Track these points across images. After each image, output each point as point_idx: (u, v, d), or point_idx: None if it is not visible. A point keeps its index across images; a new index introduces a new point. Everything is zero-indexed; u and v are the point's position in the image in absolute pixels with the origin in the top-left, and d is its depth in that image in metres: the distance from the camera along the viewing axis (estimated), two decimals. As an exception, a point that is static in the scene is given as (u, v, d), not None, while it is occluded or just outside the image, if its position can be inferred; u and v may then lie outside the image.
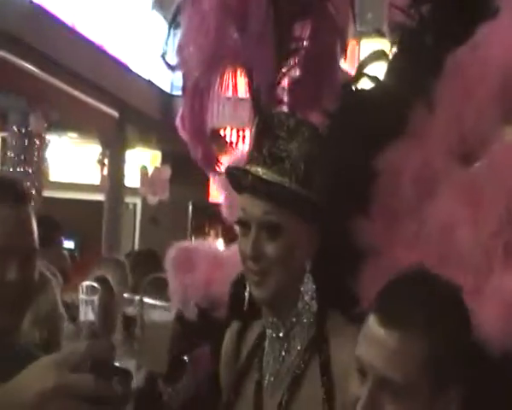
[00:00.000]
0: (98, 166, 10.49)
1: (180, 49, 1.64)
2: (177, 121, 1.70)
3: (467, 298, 1.10)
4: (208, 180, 2.19)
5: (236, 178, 1.31)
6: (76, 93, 7.63)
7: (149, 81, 9.03)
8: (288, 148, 1.24)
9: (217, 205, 1.92)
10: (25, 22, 6.09)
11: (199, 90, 1.62)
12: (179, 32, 1.64)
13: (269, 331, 1.30)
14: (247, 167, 1.27)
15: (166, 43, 1.71)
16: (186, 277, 1.72)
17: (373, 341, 1.03)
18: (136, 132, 9.47)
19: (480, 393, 1.12)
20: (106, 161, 9.96)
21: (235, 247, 1.47)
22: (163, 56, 1.70)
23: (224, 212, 1.80)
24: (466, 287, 1.17)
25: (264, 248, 1.23)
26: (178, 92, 5.67)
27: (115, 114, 8.80)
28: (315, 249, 1.28)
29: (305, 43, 1.66)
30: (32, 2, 6.26)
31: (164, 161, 10.07)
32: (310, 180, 1.25)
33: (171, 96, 8.88)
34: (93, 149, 10.64)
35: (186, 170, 4.18)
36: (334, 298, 1.32)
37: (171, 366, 1.65)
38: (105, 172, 10.00)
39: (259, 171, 1.24)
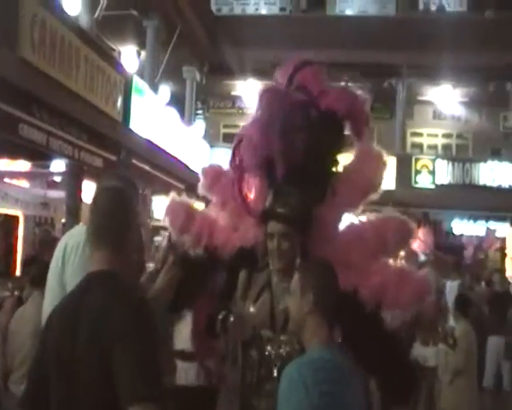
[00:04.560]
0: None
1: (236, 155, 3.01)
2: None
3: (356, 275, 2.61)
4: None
5: (269, 213, 2.70)
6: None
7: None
8: (288, 204, 2.65)
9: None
10: None
11: (240, 177, 3.00)
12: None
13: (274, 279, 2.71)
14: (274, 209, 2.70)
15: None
16: None
17: None
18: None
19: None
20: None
21: None
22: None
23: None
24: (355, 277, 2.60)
25: (282, 246, 2.61)
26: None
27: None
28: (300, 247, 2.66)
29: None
30: None
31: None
32: (297, 218, 2.64)
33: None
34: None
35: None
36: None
37: None
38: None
39: (280, 210, 2.66)
